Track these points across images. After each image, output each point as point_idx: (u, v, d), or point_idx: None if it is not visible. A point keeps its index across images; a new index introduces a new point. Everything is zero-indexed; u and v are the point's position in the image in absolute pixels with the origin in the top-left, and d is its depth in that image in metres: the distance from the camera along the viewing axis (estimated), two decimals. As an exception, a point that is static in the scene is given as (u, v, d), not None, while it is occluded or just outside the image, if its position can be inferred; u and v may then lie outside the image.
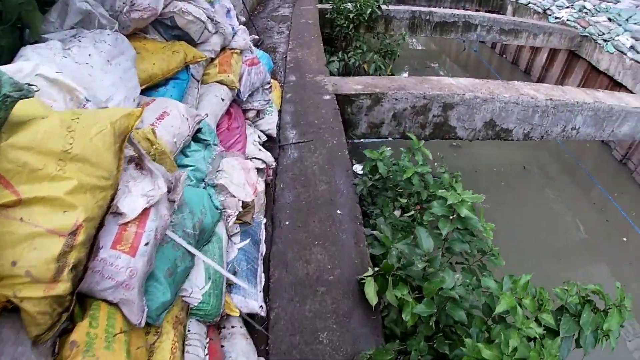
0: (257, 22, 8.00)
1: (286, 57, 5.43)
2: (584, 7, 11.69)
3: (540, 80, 12.79)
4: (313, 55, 5.45)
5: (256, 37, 6.24)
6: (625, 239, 6.85)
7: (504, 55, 14.57)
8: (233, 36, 3.16)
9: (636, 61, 9.07)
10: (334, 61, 6.63)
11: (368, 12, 7.51)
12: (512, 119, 5.11)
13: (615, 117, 6.00)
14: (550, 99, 5.22)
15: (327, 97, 4.00)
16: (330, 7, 8.14)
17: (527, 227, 6.61)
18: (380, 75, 7.03)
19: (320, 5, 8.83)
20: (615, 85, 9.75)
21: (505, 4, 14.50)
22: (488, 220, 2.54)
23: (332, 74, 6.36)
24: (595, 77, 10.55)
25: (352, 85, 4.27)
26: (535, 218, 6.98)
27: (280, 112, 3.79)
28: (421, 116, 4.52)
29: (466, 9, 14.89)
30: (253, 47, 3.43)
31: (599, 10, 11.32)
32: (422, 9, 9.31)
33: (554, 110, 5.34)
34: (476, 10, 15.44)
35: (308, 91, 4.14)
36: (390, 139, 4.73)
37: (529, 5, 13.33)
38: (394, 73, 6.99)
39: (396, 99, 4.23)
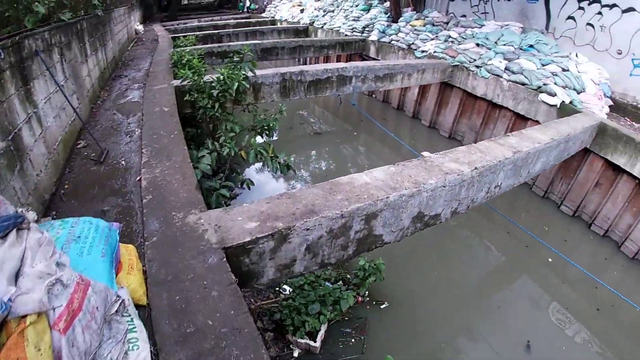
0: (101, 118, 6.41)
1: (140, 179, 3.99)
2: (450, 37, 11.90)
3: (415, 115, 12.76)
4: (177, 171, 4.06)
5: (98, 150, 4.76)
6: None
7: (373, 95, 14.48)
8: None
9: (514, 82, 9.17)
10: (204, 156, 5.32)
11: (235, 86, 6.35)
12: (440, 203, 4.27)
13: (531, 160, 5.68)
14: (475, 168, 4.51)
15: (213, 258, 2.63)
16: (188, 83, 6.84)
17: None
18: (262, 160, 5.86)
19: (176, 82, 7.50)
20: (495, 107, 9.87)
21: (368, 45, 14.44)
22: None
23: (203, 175, 5.05)
24: (472, 103, 10.67)
25: (243, 223, 2.98)
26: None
27: (148, 317, 2.40)
28: (341, 237, 3.41)
29: (329, 55, 14.65)
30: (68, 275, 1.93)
31: (465, 37, 11.55)
32: (292, 69, 8.44)
33: (479, 178, 4.65)
34: (348, 57, 15.35)
35: (182, 252, 2.75)
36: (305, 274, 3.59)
37: (392, 43, 13.36)
38: (275, 153, 5.84)
39: (307, 229, 3.06)
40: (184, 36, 13.60)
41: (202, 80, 6.67)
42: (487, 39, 10.77)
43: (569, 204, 8.38)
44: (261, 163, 6.04)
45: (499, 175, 5.09)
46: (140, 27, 17.52)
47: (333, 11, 17.94)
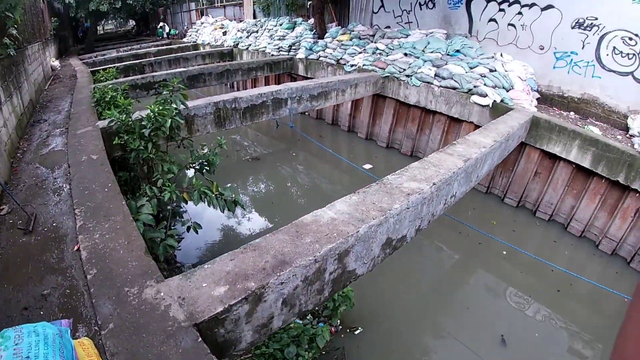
0: (22, 174, 5.76)
1: (79, 249, 3.53)
2: (377, 49, 12.02)
3: (351, 128, 12.80)
4: (119, 233, 3.62)
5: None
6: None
7: (307, 113, 14.39)
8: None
9: (445, 87, 9.42)
10: (143, 205, 4.89)
11: (168, 123, 5.94)
12: (405, 224, 4.14)
13: (479, 165, 5.77)
14: (434, 184, 4.44)
15: (187, 340, 2.19)
16: (115, 124, 6.34)
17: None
18: (207, 200, 5.49)
19: (101, 124, 6.95)
20: (428, 113, 10.15)
21: (296, 64, 14.36)
22: None
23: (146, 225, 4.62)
24: (406, 111, 10.87)
25: (211, 290, 2.62)
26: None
27: None
28: (316, 282, 3.15)
29: (257, 77, 14.42)
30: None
31: (392, 48, 11.72)
32: (225, 97, 8.11)
33: (437, 192, 4.59)
34: (277, 77, 15.16)
35: (148, 338, 2.30)
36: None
37: (320, 59, 13.34)
38: (220, 191, 5.50)
39: (282, 283, 2.78)
40: (103, 69, 12.86)
41: (130, 120, 6.19)
42: (415, 48, 11.00)
43: (512, 196, 8.69)
44: (205, 202, 5.66)
45: (454, 186, 5.10)
46: (56, 63, 16.41)
47: (257, 32, 17.74)
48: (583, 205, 7.59)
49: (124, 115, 6.18)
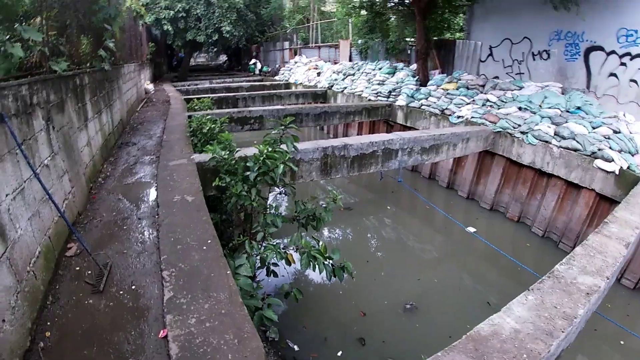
0: (101, 206, 4.89)
1: (167, 339, 2.41)
2: (488, 101, 10.78)
3: (450, 185, 11.41)
4: (226, 324, 2.50)
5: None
6: None
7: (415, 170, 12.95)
8: None
9: (565, 148, 8.31)
10: (242, 265, 3.80)
11: (280, 170, 4.88)
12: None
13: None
14: (607, 278, 3.61)
15: None
16: (215, 163, 5.40)
17: None
18: (316, 267, 4.33)
19: (197, 157, 6.08)
20: (542, 175, 8.98)
21: (394, 111, 13.29)
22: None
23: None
24: (516, 171, 9.64)
25: None
26: None
27: None
28: None
29: (354, 122, 13.50)
30: None
31: (505, 101, 10.48)
32: (334, 142, 7.09)
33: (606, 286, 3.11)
34: (372, 124, 14.20)
35: None
36: None
37: (422, 108, 12.21)
38: (328, 254, 4.36)
39: None
40: (197, 98, 12.45)
41: (233, 159, 5.22)
42: (531, 102, 9.86)
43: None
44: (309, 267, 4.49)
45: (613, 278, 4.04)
46: (150, 87, 16.55)
47: (354, 74, 17.01)
48: None
49: (227, 153, 5.21)
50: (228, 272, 3.17)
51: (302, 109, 11.70)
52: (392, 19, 16.39)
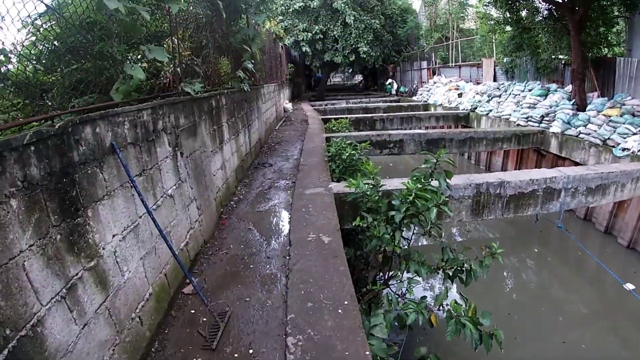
0: (229, 235, 4.56)
1: None
2: None
3: (609, 229, 9.45)
4: None
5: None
6: None
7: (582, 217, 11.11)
8: None
9: None
10: (377, 325, 3.10)
11: (433, 214, 4.08)
12: None
13: None
14: None
15: None
16: (355, 195, 4.80)
17: None
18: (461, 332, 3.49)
19: (335, 187, 5.56)
20: None
21: (547, 138, 11.61)
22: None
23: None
24: None
25: None
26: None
27: None
28: None
29: (502, 149, 12.10)
30: None
31: None
32: (489, 178, 6.10)
33: None
34: (519, 152, 12.72)
35: None
36: None
37: (580, 136, 10.46)
38: (477, 317, 3.45)
39: None
40: (335, 119, 12.18)
41: (376, 195, 4.54)
42: None
43: None
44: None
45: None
46: (289, 106, 16.87)
47: (500, 96, 15.48)
48: None
49: (370, 187, 4.56)
50: (367, 352, 2.47)
51: (445, 134, 10.72)
52: (541, 34, 14.60)
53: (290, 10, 22.62)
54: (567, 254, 8.88)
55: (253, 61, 7.39)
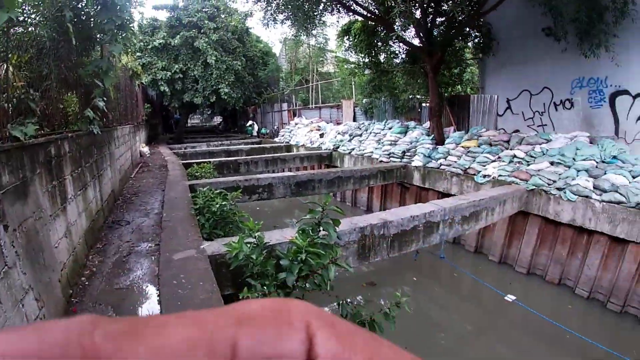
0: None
1: None
2: (515, 157, 10.13)
3: (478, 249, 10.19)
4: None
5: None
6: None
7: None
8: None
9: (607, 202, 7.80)
10: None
11: (332, 274, 3.61)
12: None
13: None
14: None
15: None
16: (238, 262, 4.12)
17: None
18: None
19: (209, 248, 4.82)
20: (582, 233, 8.32)
21: (410, 172, 12.26)
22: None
23: None
24: (553, 231, 8.91)
25: None
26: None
27: None
28: None
29: (370, 186, 12.39)
30: None
31: (534, 156, 9.89)
32: (371, 219, 5.90)
33: None
34: (384, 188, 13.13)
35: None
36: None
37: (442, 168, 11.25)
38: None
39: None
40: (197, 163, 11.35)
41: (261, 256, 3.94)
42: (563, 155, 9.32)
43: None
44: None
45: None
46: (146, 149, 15.53)
47: (361, 135, 16.12)
48: None
49: (254, 249, 3.94)
50: None
51: (313, 175, 10.56)
52: (399, 76, 15.78)
53: (150, 46, 21.63)
54: (442, 277, 9.33)
55: (105, 99, 6.39)
